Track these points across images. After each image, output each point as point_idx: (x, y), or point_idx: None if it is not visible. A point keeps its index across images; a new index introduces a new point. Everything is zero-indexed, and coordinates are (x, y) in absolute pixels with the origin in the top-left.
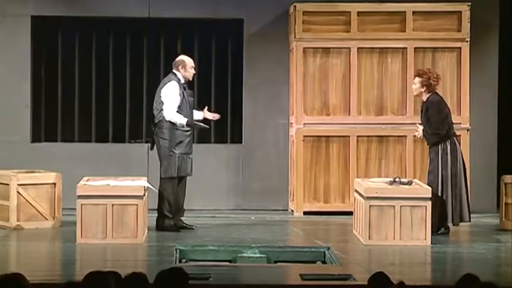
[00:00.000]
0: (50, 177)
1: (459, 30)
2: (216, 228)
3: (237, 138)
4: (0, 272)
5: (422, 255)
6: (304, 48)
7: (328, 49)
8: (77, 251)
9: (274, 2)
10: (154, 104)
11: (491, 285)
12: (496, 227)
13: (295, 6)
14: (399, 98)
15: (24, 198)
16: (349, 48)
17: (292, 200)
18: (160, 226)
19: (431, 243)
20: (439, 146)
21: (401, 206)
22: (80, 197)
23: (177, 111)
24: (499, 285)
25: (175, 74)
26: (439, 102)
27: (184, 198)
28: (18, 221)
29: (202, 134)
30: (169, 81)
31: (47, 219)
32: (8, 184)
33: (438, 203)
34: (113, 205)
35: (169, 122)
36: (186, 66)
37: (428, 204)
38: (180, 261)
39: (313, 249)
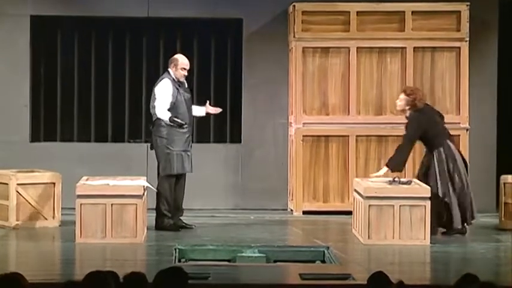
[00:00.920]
0: (49, 176)
1: (458, 30)
2: (215, 228)
3: (236, 138)
4: None
5: (422, 254)
6: (303, 47)
7: (327, 49)
8: (76, 250)
9: (273, 1)
10: (150, 102)
11: (491, 285)
12: (496, 227)
13: (294, 5)
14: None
15: (23, 197)
16: (348, 47)
17: (292, 200)
18: (159, 225)
19: (433, 242)
20: (434, 153)
21: (400, 206)
22: (79, 196)
23: (170, 109)
24: (498, 285)
25: (169, 72)
26: (419, 119)
27: (183, 197)
28: (17, 220)
29: (201, 133)
30: (162, 79)
31: (46, 218)
32: (7, 184)
33: (439, 208)
34: (112, 204)
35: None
36: (178, 66)
37: (428, 203)
38: (179, 261)
39: (312, 249)
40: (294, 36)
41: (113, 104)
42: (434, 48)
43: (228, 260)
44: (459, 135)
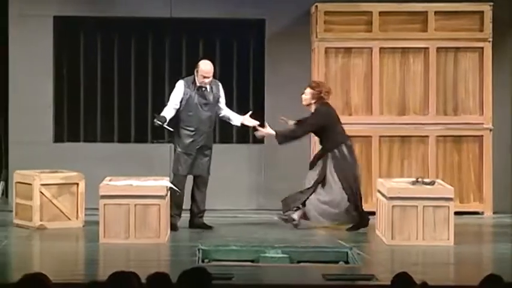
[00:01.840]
0: (73, 177)
1: (481, 30)
2: (238, 228)
3: (259, 139)
4: (23, 272)
5: (446, 255)
6: (325, 48)
7: (349, 49)
8: (99, 251)
9: (295, 2)
10: None
11: None
12: None
13: (316, 6)
14: (421, 98)
15: (47, 198)
16: (371, 48)
17: None
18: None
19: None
20: (329, 153)
21: (424, 206)
22: (103, 197)
23: (179, 109)
24: None
25: (194, 75)
26: (324, 114)
27: (204, 199)
28: (41, 220)
29: (224, 134)
30: (180, 79)
31: (69, 219)
32: (31, 184)
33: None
34: (135, 205)
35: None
36: (199, 72)
37: (451, 204)
38: (202, 261)
39: (335, 250)
40: (317, 37)
41: (135, 105)
42: (457, 48)
43: (251, 261)
44: (482, 136)
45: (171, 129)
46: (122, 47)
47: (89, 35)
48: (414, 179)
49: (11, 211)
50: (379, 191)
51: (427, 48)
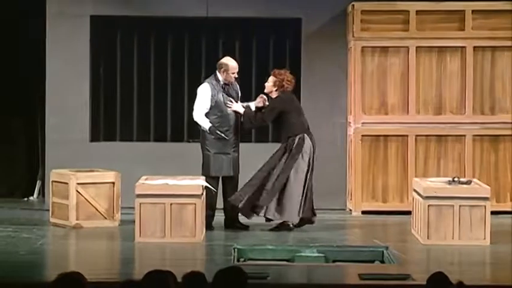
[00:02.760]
0: (109, 176)
1: None
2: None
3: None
4: (59, 271)
5: (482, 255)
6: (362, 47)
7: (386, 48)
8: (135, 249)
9: (332, 1)
10: None
11: None
12: None
13: (353, 5)
14: (458, 97)
15: (83, 197)
16: (408, 47)
17: (351, 200)
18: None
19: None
20: (286, 142)
21: (460, 206)
22: (139, 196)
23: (208, 112)
24: None
25: (215, 75)
26: (283, 99)
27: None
28: (77, 219)
29: (260, 133)
30: (203, 82)
31: (105, 218)
32: (67, 183)
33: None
34: (171, 204)
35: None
36: (229, 71)
37: (488, 204)
38: (238, 261)
39: (371, 249)
40: (353, 36)
41: (172, 104)
42: (494, 47)
43: (287, 260)
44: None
45: (227, 138)
46: (158, 46)
47: (126, 35)
48: (450, 179)
49: (48, 210)
50: (415, 191)
51: (464, 47)
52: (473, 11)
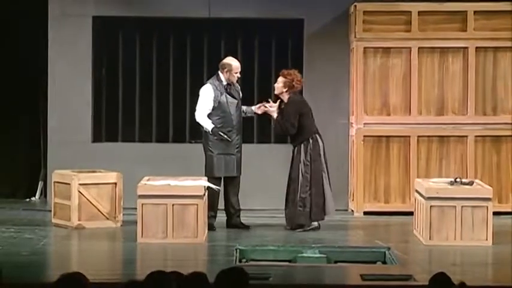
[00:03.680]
0: (111, 176)
1: None
2: (276, 228)
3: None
4: (61, 271)
5: (484, 255)
6: (364, 48)
7: (388, 49)
8: (137, 250)
9: (334, 1)
10: None
11: None
12: None
13: (355, 6)
14: (460, 98)
15: (85, 197)
16: (410, 48)
17: (353, 200)
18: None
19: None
20: (302, 144)
21: (462, 207)
22: (141, 196)
23: (210, 114)
24: None
25: (218, 75)
26: (298, 102)
27: (238, 199)
28: (79, 220)
29: (262, 134)
30: (205, 83)
31: (107, 218)
32: (69, 184)
33: (302, 200)
34: (173, 205)
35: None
36: (232, 71)
37: (490, 204)
38: (240, 261)
39: (373, 250)
40: (355, 37)
41: (174, 105)
42: (496, 48)
43: (289, 261)
44: None
45: (229, 139)
46: (160, 46)
47: (128, 35)
48: (452, 179)
49: (50, 211)
50: (417, 191)
51: (466, 47)
52: (475, 12)
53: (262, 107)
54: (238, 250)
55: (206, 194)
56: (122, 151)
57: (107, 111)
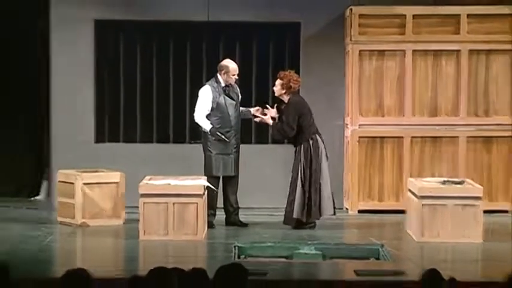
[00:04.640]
0: (114, 176)
1: None
2: (273, 226)
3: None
4: (66, 267)
5: (474, 252)
6: (360, 50)
7: (383, 51)
8: (139, 247)
9: (330, 5)
10: None
11: None
12: None
13: (351, 9)
14: (453, 100)
15: (89, 196)
16: (404, 50)
17: (347, 199)
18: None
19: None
20: (302, 145)
21: (453, 205)
22: (142, 195)
23: (209, 114)
24: None
25: (216, 77)
26: (297, 103)
27: (236, 197)
28: (83, 218)
29: (260, 135)
30: (204, 85)
31: (111, 216)
32: (73, 183)
33: (300, 199)
34: (174, 203)
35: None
36: (229, 73)
37: (480, 203)
38: (238, 258)
39: (367, 246)
40: (351, 40)
41: (174, 107)
42: (489, 51)
43: (286, 257)
44: None
45: (227, 140)
46: (160, 49)
47: (129, 38)
48: (445, 179)
49: (54, 209)
50: (410, 190)
51: (459, 50)
52: (468, 15)
53: (259, 114)
54: (236, 247)
55: (206, 193)
56: (124, 151)
57: (109, 112)
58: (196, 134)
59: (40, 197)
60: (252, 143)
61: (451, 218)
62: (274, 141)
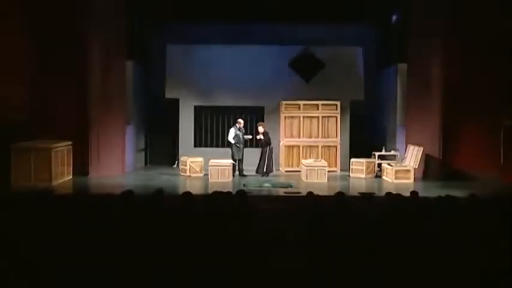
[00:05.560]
0: (200, 161)
1: None
2: (254, 175)
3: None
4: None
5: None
6: None
7: None
8: (200, 182)
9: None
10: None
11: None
12: None
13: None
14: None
15: (192, 167)
16: None
17: (281, 165)
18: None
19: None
20: (268, 146)
21: (317, 169)
22: (210, 165)
23: (234, 137)
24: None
25: (235, 124)
26: (267, 133)
27: (242, 165)
28: (189, 175)
29: (250, 145)
30: (231, 127)
31: (199, 172)
32: (186, 161)
33: (263, 163)
34: (219, 167)
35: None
36: (240, 124)
37: (326, 169)
38: (243, 186)
39: (287, 183)
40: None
41: (223, 134)
42: None
43: (259, 186)
44: None
45: (238, 146)
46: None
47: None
48: (315, 159)
49: (180, 172)
50: (303, 164)
51: None
52: None
53: (247, 137)
54: (244, 184)
55: (231, 164)
56: (207, 152)
57: (202, 135)
58: (228, 143)
59: (175, 166)
60: (247, 146)
61: (319, 177)
62: (257, 146)
